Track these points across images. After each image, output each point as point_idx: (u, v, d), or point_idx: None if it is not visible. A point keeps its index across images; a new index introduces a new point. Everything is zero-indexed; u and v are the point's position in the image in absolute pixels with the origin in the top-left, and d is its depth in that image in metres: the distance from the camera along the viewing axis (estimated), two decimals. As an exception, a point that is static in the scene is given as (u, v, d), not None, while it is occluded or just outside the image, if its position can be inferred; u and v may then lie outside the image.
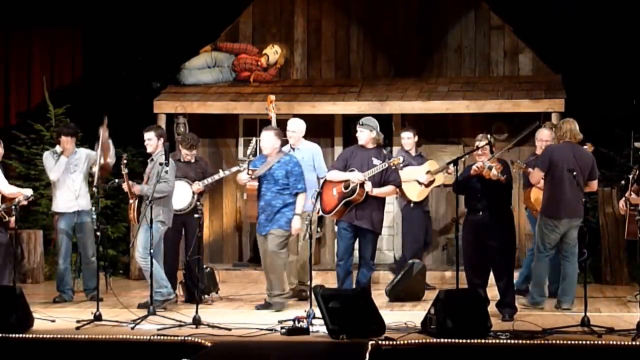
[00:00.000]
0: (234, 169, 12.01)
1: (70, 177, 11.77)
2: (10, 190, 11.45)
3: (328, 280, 13.02)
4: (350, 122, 14.38)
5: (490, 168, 10.16)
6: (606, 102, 14.27)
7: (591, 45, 14.70)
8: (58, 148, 11.81)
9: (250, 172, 11.00)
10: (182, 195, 11.52)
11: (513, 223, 10.49)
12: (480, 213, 10.26)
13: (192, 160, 11.84)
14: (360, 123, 11.05)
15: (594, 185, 11.05)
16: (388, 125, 14.32)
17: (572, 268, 11.00)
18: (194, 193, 11.57)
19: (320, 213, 11.31)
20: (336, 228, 11.18)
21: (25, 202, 11.17)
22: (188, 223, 11.44)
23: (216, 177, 11.78)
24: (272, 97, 12.62)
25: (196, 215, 10.17)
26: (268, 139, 11.06)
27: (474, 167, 10.25)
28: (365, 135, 10.98)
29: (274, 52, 14.71)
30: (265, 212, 10.97)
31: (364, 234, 10.91)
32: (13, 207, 10.65)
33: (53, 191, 11.92)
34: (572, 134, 10.91)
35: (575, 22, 14.74)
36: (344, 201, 10.86)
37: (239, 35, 15.04)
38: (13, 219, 11.02)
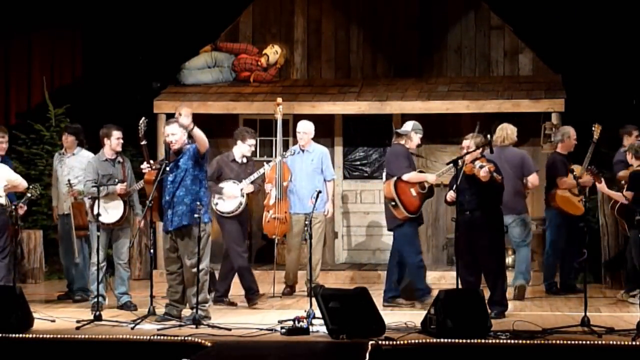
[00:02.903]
0: (278, 159, 11.92)
1: (64, 178, 11.72)
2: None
3: (328, 280, 13.04)
4: (350, 122, 14.42)
5: (482, 167, 10.17)
6: (606, 102, 14.27)
7: (591, 45, 14.71)
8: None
9: (151, 162, 10.22)
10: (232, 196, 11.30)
11: (502, 223, 10.60)
12: (468, 213, 10.33)
13: (245, 161, 11.54)
14: (420, 128, 11.36)
15: (533, 179, 11.74)
16: (388, 125, 14.33)
17: (520, 255, 11.80)
18: (243, 194, 11.25)
19: (406, 214, 11.19)
20: (405, 228, 11.14)
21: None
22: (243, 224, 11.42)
23: (261, 171, 11.54)
24: (280, 99, 12.59)
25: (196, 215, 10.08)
26: (174, 131, 10.03)
27: (464, 168, 10.28)
28: None
29: (274, 52, 14.70)
30: (172, 207, 9.98)
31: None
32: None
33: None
34: (503, 139, 11.80)
35: (575, 22, 14.74)
36: (424, 201, 11.30)
37: (239, 35, 15.04)
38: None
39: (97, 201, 10.68)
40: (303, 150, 12.21)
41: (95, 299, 10.33)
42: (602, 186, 11.32)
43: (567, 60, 14.59)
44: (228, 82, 14.73)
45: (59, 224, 12.00)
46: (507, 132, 11.83)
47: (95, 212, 10.73)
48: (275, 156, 12.55)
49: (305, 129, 12.22)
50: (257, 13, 15.06)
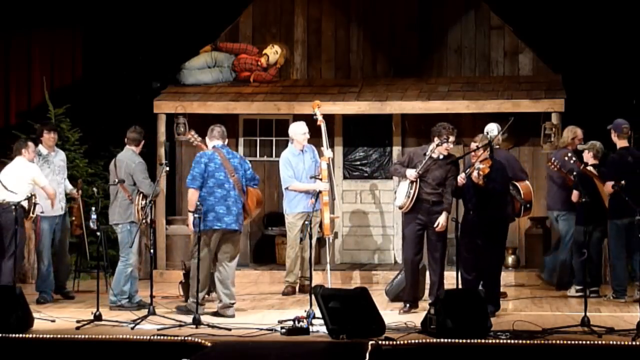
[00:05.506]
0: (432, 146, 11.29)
1: (56, 179, 11.71)
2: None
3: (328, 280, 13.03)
4: (350, 122, 14.41)
5: (477, 169, 10.15)
6: (606, 102, 14.27)
7: (591, 45, 14.70)
8: (41, 148, 11.81)
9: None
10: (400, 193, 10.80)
11: (505, 223, 10.62)
12: (471, 213, 10.36)
13: (442, 157, 10.72)
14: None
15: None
16: (388, 125, 14.33)
17: (562, 255, 12.17)
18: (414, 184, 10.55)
19: None
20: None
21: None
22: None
23: (424, 160, 10.66)
24: (318, 102, 12.75)
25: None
26: None
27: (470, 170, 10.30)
28: None
29: (274, 52, 14.70)
30: None
31: None
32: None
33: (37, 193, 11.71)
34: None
35: (575, 22, 14.73)
36: None
37: (239, 35, 15.04)
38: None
39: (147, 201, 10.82)
40: (303, 151, 12.30)
41: (128, 299, 10.87)
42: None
43: (567, 60, 14.59)
44: (228, 82, 14.73)
45: (46, 225, 11.76)
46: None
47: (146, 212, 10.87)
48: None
49: (306, 129, 12.31)
50: (257, 13, 15.06)
